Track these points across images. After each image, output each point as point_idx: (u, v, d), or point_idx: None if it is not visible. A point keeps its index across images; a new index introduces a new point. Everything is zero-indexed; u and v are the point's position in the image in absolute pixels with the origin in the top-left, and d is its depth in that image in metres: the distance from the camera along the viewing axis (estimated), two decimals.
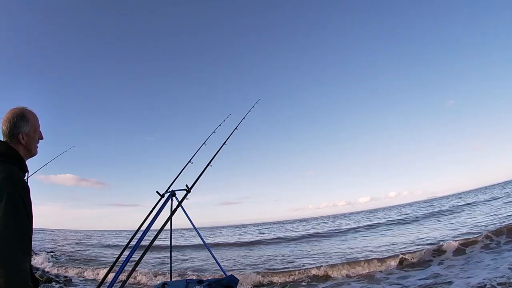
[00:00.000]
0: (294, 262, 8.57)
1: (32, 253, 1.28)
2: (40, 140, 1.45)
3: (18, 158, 1.29)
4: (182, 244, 16.52)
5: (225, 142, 3.62)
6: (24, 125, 1.34)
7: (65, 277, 7.22)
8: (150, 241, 2.49)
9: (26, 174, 1.34)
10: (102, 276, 2.78)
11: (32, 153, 1.40)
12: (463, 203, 21.67)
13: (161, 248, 11.87)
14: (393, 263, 6.76)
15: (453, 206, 20.44)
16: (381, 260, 7.01)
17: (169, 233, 3.59)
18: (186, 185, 2.94)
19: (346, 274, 6.59)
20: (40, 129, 1.44)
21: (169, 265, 3.76)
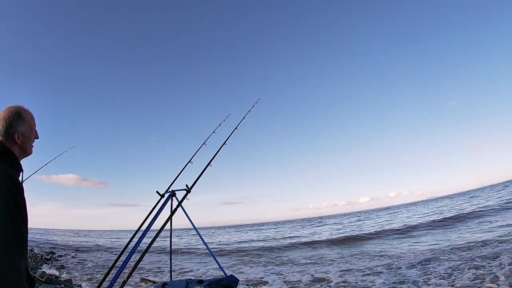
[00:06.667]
0: None
1: (28, 252, 1.26)
2: (36, 140, 1.42)
3: (12, 157, 1.27)
4: (182, 244, 16.48)
5: (225, 142, 3.61)
6: (20, 125, 1.31)
7: (66, 277, 7.20)
8: (150, 241, 2.49)
9: (21, 173, 1.32)
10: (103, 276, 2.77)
11: (27, 152, 1.38)
12: None
13: (161, 248, 11.86)
14: None
15: None
16: None
17: (169, 233, 3.58)
18: (186, 185, 2.93)
19: None
20: (36, 128, 1.42)
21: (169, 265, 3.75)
